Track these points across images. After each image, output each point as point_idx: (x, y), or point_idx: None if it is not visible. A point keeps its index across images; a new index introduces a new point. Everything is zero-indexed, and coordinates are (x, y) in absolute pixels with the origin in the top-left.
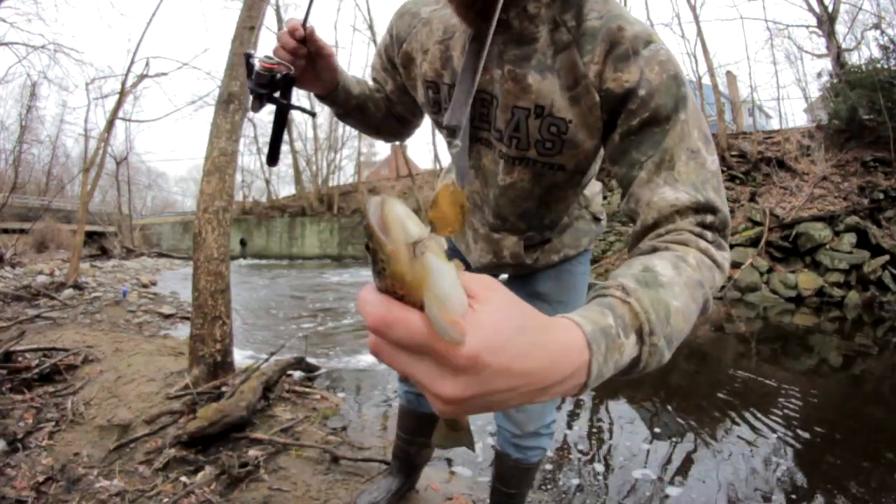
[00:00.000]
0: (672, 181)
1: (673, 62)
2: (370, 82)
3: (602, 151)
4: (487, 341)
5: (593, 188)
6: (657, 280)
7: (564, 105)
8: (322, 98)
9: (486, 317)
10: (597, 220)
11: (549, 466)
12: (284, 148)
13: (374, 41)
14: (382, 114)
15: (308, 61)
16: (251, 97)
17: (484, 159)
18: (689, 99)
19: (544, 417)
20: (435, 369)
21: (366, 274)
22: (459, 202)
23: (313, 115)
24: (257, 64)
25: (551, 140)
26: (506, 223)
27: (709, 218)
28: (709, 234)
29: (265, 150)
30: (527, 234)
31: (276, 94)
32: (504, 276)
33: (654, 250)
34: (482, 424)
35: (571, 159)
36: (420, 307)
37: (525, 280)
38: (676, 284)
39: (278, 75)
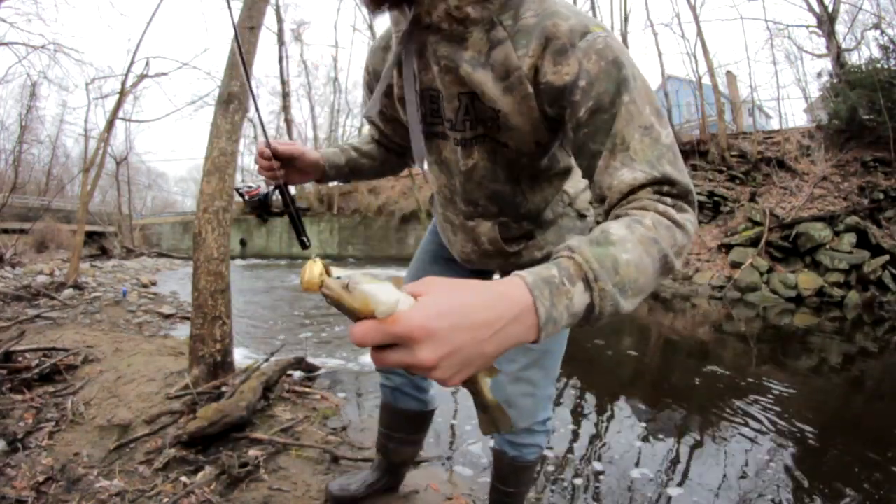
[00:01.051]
0: (629, 161)
1: (612, 48)
2: (365, 130)
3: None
4: (430, 312)
5: (577, 185)
6: (608, 239)
7: (497, 94)
8: (318, 182)
9: (427, 298)
10: (582, 216)
11: (549, 467)
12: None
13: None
14: (380, 160)
15: (289, 165)
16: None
17: (444, 152)
18: (631, 79)
19: (536, 414)
20: (407, 350)
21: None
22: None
23: (307, 209)
24: (245, 194)
25: (490, 120)
26: (477, 208)
27: (666, 188)
28: (668, 200)
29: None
30: (500, 219)
31: (284, 200)
32: (496, 277)
33: (616, 217)
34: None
35: (511, 139)
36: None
37: (505, 275)
38: (628, 241)
39: (262, 195)
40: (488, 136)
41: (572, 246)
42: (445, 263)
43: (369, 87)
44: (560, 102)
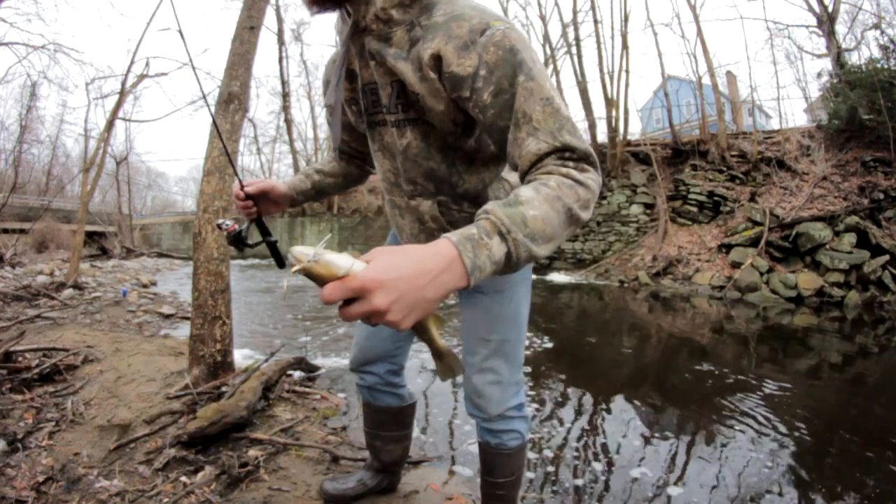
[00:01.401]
0: (533, 131)
1: (509, 37)
2: (329, 154)
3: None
4: (379, 268)
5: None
6: (518, 200)
7: (416, 82)
8: (290, 206)
9: (376, 260)
10: None
11: (550, 468)
12: (284, 148)
13: None
14: (342, 175)
15: (262, 200)
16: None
17: (386, 138)
18: (528, 62)
19: (506, 401)
20: (364, 301)
21: None
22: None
23: (275, 241)
24: (225, 230)
25: (416, 103)
26: (416, 186)
27: (567, 153)
28: (570, 164)
29: (265, 150)
30: (439, 198)
31: (262, 235)
32: None
33: (528, 183)
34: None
35: (434, 119)
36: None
37: None
38: (535, 200)
39: (237, 231)
40: (418, 118)
41: (488, 209)
42: None
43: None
44: (462, 90)
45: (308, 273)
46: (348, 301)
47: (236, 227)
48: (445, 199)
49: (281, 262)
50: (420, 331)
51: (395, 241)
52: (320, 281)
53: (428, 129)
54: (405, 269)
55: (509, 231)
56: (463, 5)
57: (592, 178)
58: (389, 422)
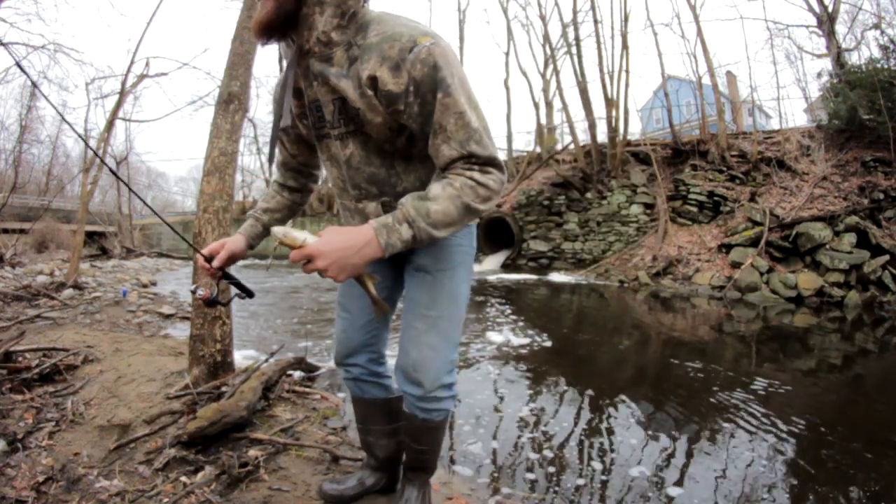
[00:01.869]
0: (446, 140)
1: (433, 54)
2: (271, 188)
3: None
4: (321, 242)
5: None
6: (427, 196)
7: (356, 98)
8: (250, 249)
9: (323, 237)
10: None
11: (550, 468)
12: None
13: None
14: (286, 208)
15: (228, 256)
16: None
17: (332, 149)
18: (447, 79)
19: (441, 376)
20: (312, 264)
21: None
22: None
23: (252, 294)
24: (200, 297)
25: (356, 117)
26: (361, 191)
27: (473, 159)
28: (475, 168)
29: (265, 150)
30: (382, 199)
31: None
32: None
33: (442, 178)
34: (469, 430)
35: (372, 130)
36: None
37: (409, 255)
38: (440, 196)
39: (212, 296)
40: (357, 130)
41: (403, 201)
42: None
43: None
44: (397, 104)
45: (282, 243)
46: (306, 263)
47: (209, 293)
48: (388, 199)
49: (251, 295)
50: (360, 284)
51: None
52: (290, 249)
53: (367, 138)
54: (338, 243)
55: (415, 221)
56: (394, 24)
57: (494, 178)
58: (379, 414)
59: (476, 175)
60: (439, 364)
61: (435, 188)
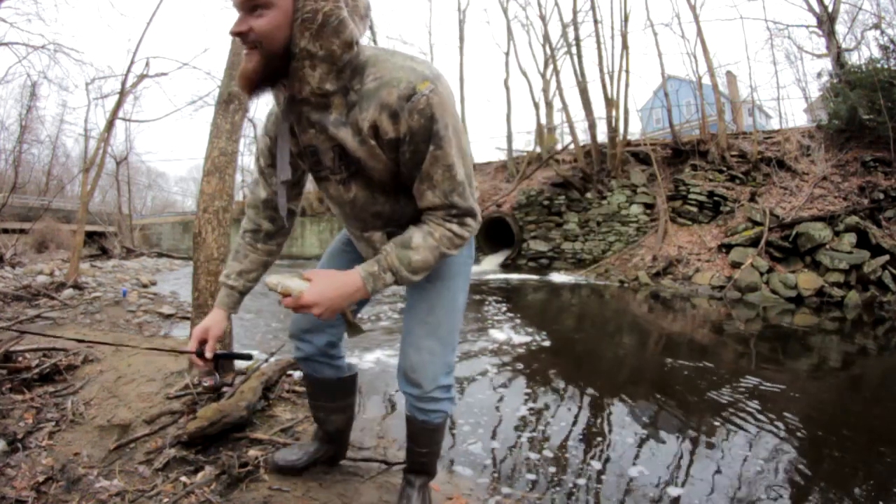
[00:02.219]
0: (432, 188)
1: (431, 104)
2: (243, 242)
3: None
4: (314, 292)
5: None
6: (409, 245)
7: (356, 146)
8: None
9: (313, 285)
10: None
11: (551, 468)
12: None
13: (374, 41)
14: (261, 265)
15: (216, 341)
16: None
17: (330, 189)
18: (440, 131)
19: (438, 377)
20: (306, 309)
21: None
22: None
23: (250, 357)
24: (206, 387)
25: (356, 164)
26: (367, 224)
27: (453, 211)
28: (454, 219)
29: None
30: (387, 229)
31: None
32: None
33: (422, 222)
34: (469, 430)
35: (374, 173)
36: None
37: None
38: (421, 247)
39: (217, 384)
40: (359, 172)
41: (388, 249)
42: (351, 252)
43: (270, 152)
44: (396, 148)
45: (277, 292)
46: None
47: (213, 381)
48: (393, 228)
49: (249, 357)
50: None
51: (346, 237)
52: (284, 296)
53: (369, 180)
54: (330, 293)
55: (398, 270)
56: (391, 67)
57: (470, 229)
58: (329, 393)
59: (455, 227)
60: (437, 367)
61: (417, 237)
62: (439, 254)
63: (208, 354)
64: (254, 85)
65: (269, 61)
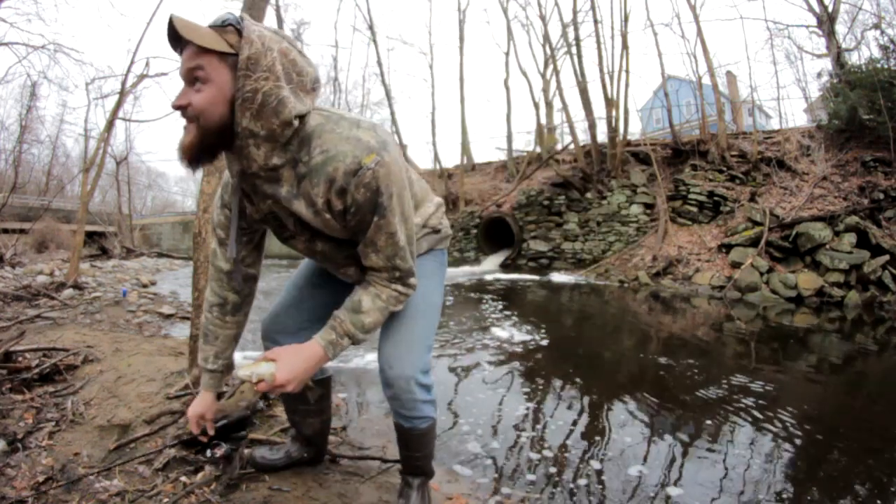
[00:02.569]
0: (375, 252)
1: (377, 177)
2: (212, 317)
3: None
4: (286, 373)
5: (425, 212)
6: (360, 309)
7: (311, 217)
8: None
9: (282, 365)
10: (437, 231)
11: (552, 468)
12: None
13: (374, 41)
14: (233, 338)
15: (213, 419)
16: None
17: (299, 245)
18: (384, 203)
19: (415, 374)
20: (281, 389)
21: None
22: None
23: (246, 426)
24: (217, 457)
25: (314, 228)
26: (340, 264)
27: (396, 273)
28: (397, 281)
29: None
30: (362, 265)
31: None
32: None
33: (368, 283)
34: (469, 430)
35: (336, 233)
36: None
37: None
38: (371, 310)
39: (227, 452)
40: (321, 232)
41: (341, 317)
42: (322, 276)
43: (228, 225)
44: (342, 216)
45: (250, 382)
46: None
47: (224, 451)
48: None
49: (246, 427)
50: None
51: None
52: (257, 383)
53: (331, 238)
54: (298, 370)
55: (354, 335)
56: (336, 139)
57: (412, 285)
58: (301, 397)
59: (399, 287)
60: (412, 359)
61: (366, 301)
62: (387, 312)
63: (211, 432)
64: (192, 157)
65: (205, 136)
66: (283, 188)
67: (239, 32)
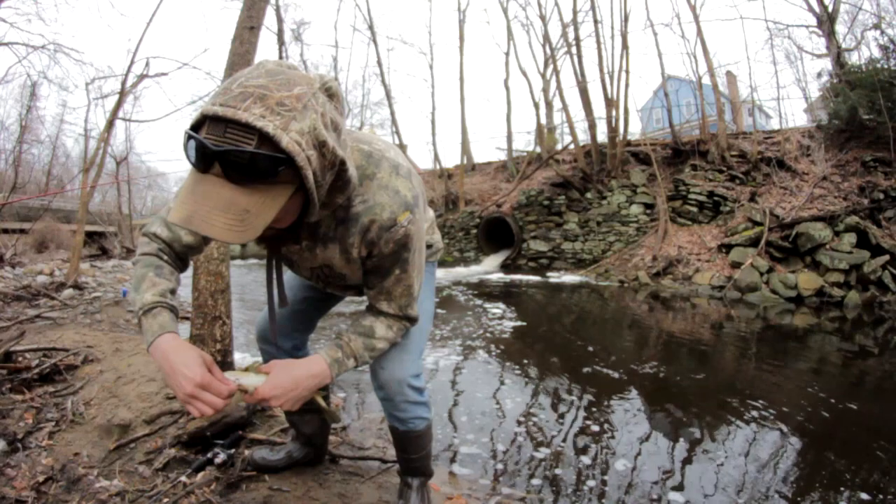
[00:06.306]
0: (389, 300)
1: (403, 234)
2: (160, 283)
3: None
4: (272, 387)
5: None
6: (373, 335)
7: (342, 264)
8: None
9: (269, 378)
10: (428, 246)
11: (557, 470)
12: None
13: (374, 41)
14: (177, 272)
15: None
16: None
17: (304, 272)
18: (408, 259)
19: (406, 378)
20: (267, 403)
21: None
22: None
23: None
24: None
25: (339, 277)
26: (339, 288)
27: (404, 321)
28: (404, 320)
29: None
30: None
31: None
32: None
33: (379, 313)
34: (469, 430)
35: (352, 281)
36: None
37: None
38: (384, 338)
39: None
40: (334, 276)
41: (350, 336)
42: (316, 300)
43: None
44: (364, 263)
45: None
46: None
47: (222, 458)
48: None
49: (238, 444)
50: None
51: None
52: (243, 393)
53: (342, 277)
54: (288, 383)
55: (361, 356)
56: (376, 188)
57: (416, 320)
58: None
59: (407, 324)
60: (404, 362)
61: (380, 328)
62: (393, 340)
63: (226, 388)
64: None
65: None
66: (320, 228)
67: (292, 161)
